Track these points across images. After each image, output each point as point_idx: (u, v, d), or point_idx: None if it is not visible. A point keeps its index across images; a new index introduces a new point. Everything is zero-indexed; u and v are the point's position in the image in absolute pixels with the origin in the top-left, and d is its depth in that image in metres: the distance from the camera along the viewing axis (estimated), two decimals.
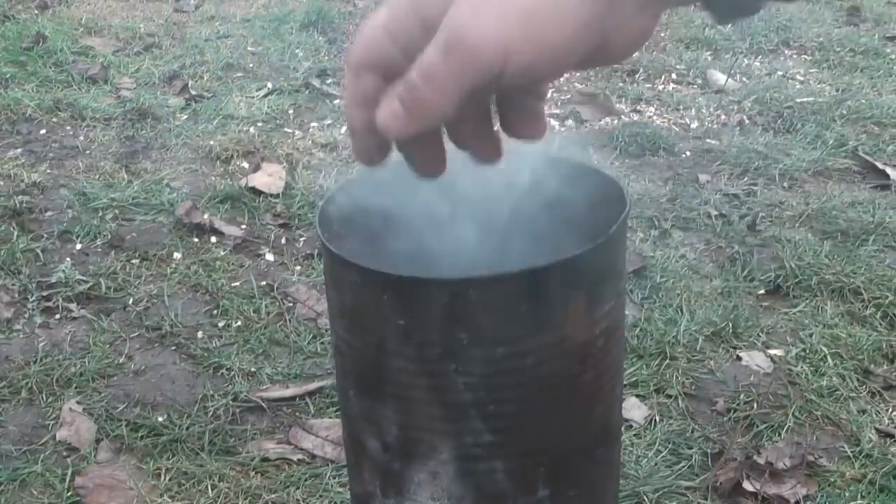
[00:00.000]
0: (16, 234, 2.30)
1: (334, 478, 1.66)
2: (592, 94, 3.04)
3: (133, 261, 2.24)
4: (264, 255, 2.28)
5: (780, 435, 1.77)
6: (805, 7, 3.87)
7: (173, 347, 1.99)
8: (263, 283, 2.18)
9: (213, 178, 2.58)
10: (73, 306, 2.08)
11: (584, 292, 0.85)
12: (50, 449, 1.73)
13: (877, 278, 2.20)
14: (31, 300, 2.09)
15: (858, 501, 1.64)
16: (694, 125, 2.95)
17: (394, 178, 0.98)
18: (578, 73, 3.29)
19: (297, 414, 1.81)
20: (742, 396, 1.86)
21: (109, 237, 2.32)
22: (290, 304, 2.10)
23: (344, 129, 2.85)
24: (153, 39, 3.38)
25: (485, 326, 0.80)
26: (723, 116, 3.00)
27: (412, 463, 0.88)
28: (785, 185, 2.63)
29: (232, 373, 1.90)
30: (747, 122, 2.97)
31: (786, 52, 3.50)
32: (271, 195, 2.50)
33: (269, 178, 2.56)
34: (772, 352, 1.99)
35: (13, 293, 2.12)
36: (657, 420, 1.80)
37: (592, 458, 0.95)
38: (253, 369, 1.91)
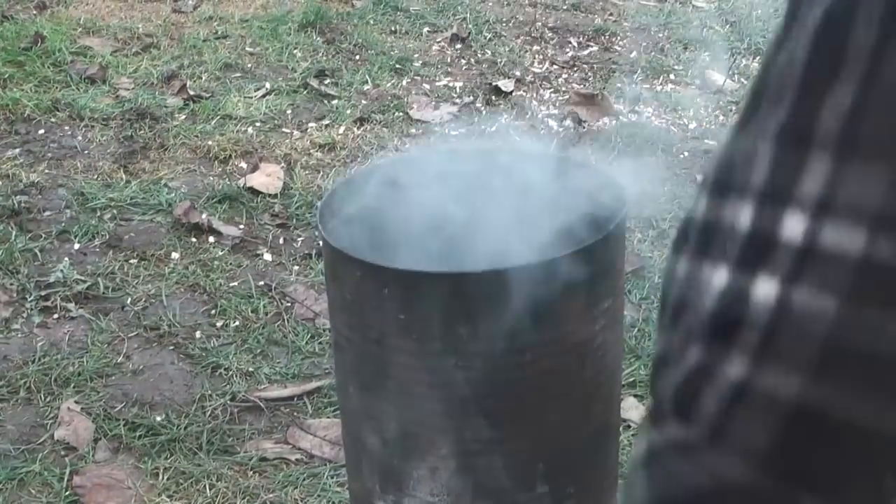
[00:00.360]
0: (14, 233, 2.29)
1: (332, 477, 1.66)
2: (591, 95, 3.04)
3: (131, 260, 2.24)
4: (262, 254, 2.28)
5: None
6: None
7: (171, 347, 1.98)
8: (261, 282, 2.17)
9: (212, 178, 2.58)
10: (71, 306, 2.08)
11: (583, 289, 0.85)
12: (48, 448, 1.72)
13: None
14: (29, 300, 2.09)
15: None
16: (692, 126, 2.95)
17: (394, 175, 0.98)
18: (577, 74, 3.29)
19: (295, 414, 1.81)
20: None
21: (108, 237, 2.32)
22: (288, 304, 2.10)
23: (342, 128, 2.85)
24: (151, 40, 3.38)
25: (485, 321, 0.80)
26: (721, 117, 3.00)
27: (412, 459, 0.88)
28: None
29: (230, 372, 1.90)
30: None
31: None
32: (269, 195, 2.50)
33: (267, 178, 2.56)
34: None
35: (11, 293, 2.11)
36: None
37: (591, 456, 0.96)
38: (251, 369, 1.91)
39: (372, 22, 3.59)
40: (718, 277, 0.46)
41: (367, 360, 0.87)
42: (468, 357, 0.81)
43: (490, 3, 3.79)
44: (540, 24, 3.62)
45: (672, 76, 3.26)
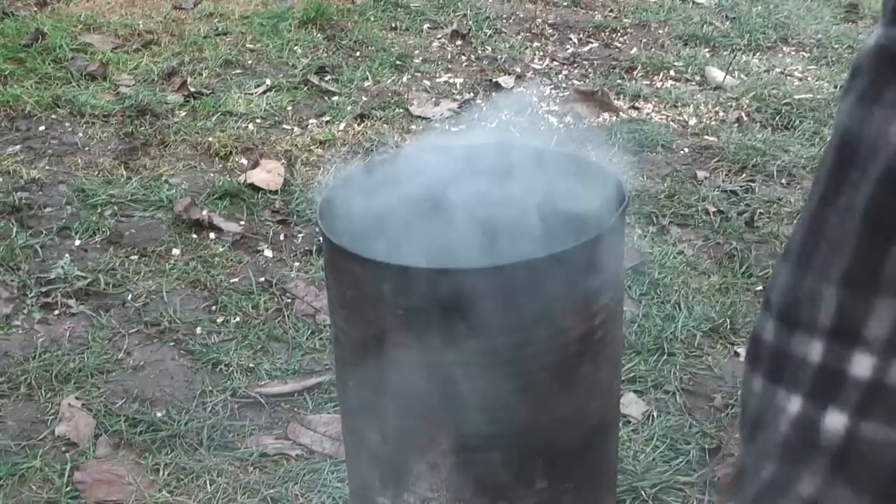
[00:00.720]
0: (15, 230, 2.30)
1: (332, 473, 1.67)
2: (591, 92, 3.04)
3: (132, 257, 2.24)
4: (263, 251, 2.28)
5: None
6: (803, 4, 3.87)
7: (172, 343, 1.99)
8: (262, 279, 2.18)
9: (212, 175, 2.58)
10: (72, 302, 2.08)
11: (583, 285, 0.85)
12: (49, 444, 1.73)
13: None
14: (30, 296, 2.09)
15: None
16: (692, 122, 2.95)
17: (394, 172, 0.98)
18: (577, 71, 3.29)
19: (296, 409, 1.81)
20: (740, 392, 1.86)
21: (108, 233, 2.32)
22: (289, 300, 2.11)
23: (342, 125, 2.85)
24: (152, 36, 3.38)
25: (484, 316, 0.80)
26: (721, 113, 3.01)
27: (411, 454, 0.88)
28: (783, 181, 2.63)
29: (230, 368, 1.91)
30: (745, 118, 2.97)
31: (784, 48, 3.50)
32: (270, 191, 2.50)
33: (267, 174, 2.56)
34: None
35: (12, 289, 2.12)
36: (655, 416, 1.80)
37: (590, 451, 0.96)
38: (251, 365, 1.92)
39: (372, 18, 3.59)
40: (793, 405, 0.51)
41: (366, 356, 0.87)
42: (467, 353, 0.82)
43: (490, 0, 3.79)
44: (540, 20, 3.62)
45: (672, 72, 3.26)
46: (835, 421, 0.49)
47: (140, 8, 3.63)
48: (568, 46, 3.44)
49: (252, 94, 3.01)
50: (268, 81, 3.09)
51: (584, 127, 2.90)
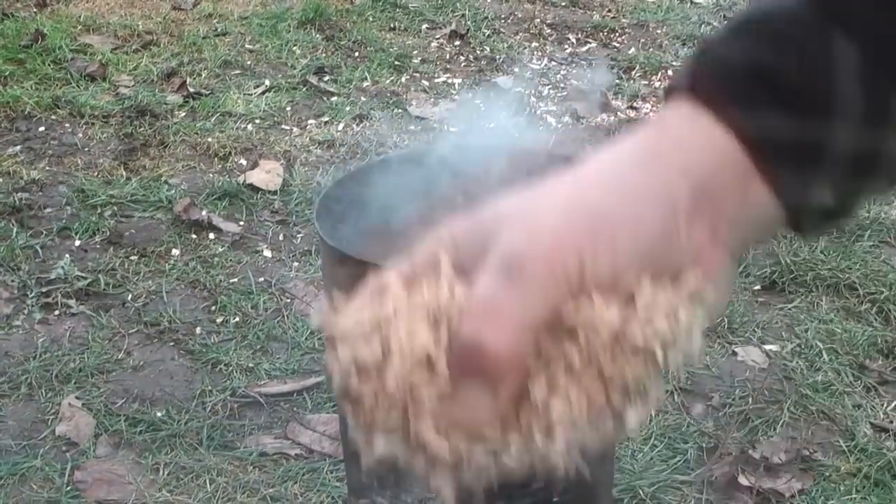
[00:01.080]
0: (15, 230, 2.30)
1: (331, 472, 1.67)
2: (589, 91, 3.05)
3: (132, 257, 2.25)
4: (262, 251, 2.29)
5: (775, 429, 1.78)
6: None
7: (172, 343, 1.99)
8: (261, 279, 2.18)
9: (211, 175, 2.59)
10: (72, 302, 2.09)
11: None
12: (49, 443, 1.74)
13: (872, 274, 2.21)
14: (30, 296, 2.10)
15: (853, 495, 1.65)
16: None
17: (391, 173, 0.99)
18: (576, 71, 3.30)
19: (295, 409, 1.82)
20: (737, 391, 1.87)
21: (108, 234, 2.33)
22: (288, 300, 2.11)
23: (341, 125, 2.86)
24: (151, 37, 3.39)
25: None
26: None
27: None
28: None
29: (230, 368, 1.91)
30: None
31: None
32: (269, 192, 2.51)
33: (266, 174, 2.57)
34: (767, 347, 2.00)
35: (13, 289, 2.12)
36: (653, 415, 1.81)
37: (587, 451, 0.96)
38: (251, 365, 1.92)
39: (371, 19, 3.59)
40: None
41: None
42: None
43: (488, 0, 3.80)
44: (538, 20, 3.62)
45: (670, 72, 3.27)
46: None
47: (139, 9, 3.63)
48: (566, 46, 3.45)
49: (251, 94, 3.01)
50: (267, 82, 3.09)
51: (583, 127, 2.91)
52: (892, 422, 1.82)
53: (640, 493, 1.64)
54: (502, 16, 3.67)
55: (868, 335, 2.02)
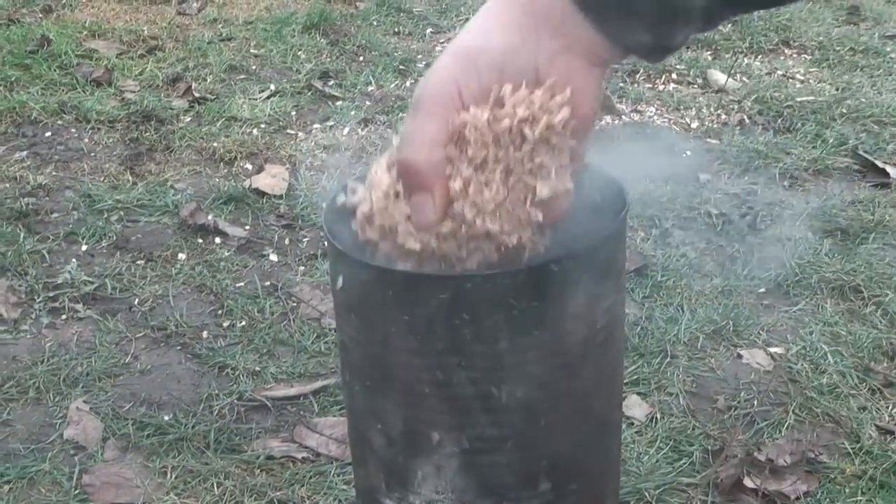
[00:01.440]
0: (22, 235, 2.31)
1: (338, 475, 1.68)
2: None
3: (138, 262, 2.26)
4: (268, 255, 2.30)
5: (780, 432, 1.79)
6: (805, 6, 3.88)
7: (179, 347, 2.00)
8: (267, 283, 2.19)
9: (217, 180, 2.60)
10: (79, 307, 2.10)
11: (585, 289, 0.86)
12: (57, 447, 1.74)
13: (877, 276, 2.21)
14: (37, 301, 2.11)
15: (858, 498, 1.66)
16: (694, 125, 2.96)
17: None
18: None
19: (302, 412, 1.83)
20: (742, 394, 1.88)
21: (115, 238, 2.34)
22: (294, 304, 2.12)
23: (346, 130, 2.87)
24: (156, 42, 3.40)
25: (487, 322, 0.82)
26: (723, 116, 3.02)
27: (416, 457, 0.90)
28: (785, 183, 2.64)
29: (237, 372, 1.92)
30: (747, 121, 2.98)
31: (786, 51, 3.51)
32: (275, 196, 2.52)
33: (272, 179, 2.58)
34: (772, 350, 2.01)
35: (20, 294, 2.13)
36: (658, 417, 1.81)
37: (593, 453, 0.97)
38: (257, 368, 1.93)
39: (375, 23, 3.60)
40: None
41: (371, 361, 0.88)
42: (471, 357, 0.83)
43: None
44: None
45: (674, 75, 3.27)
46: None
47: (144, 14, 3.65)
48: None
49: (256, 99, 3.02)
50: (272, 87, 3.10)
51: None
52: None
53: (646, 495, 1.64)
54: None
55: (873, 338, 2.02)
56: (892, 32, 3.69)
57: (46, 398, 1.85)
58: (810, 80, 3.27)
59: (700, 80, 3.24)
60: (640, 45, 0.72)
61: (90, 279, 2.17)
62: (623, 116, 2.99)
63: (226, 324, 2.06)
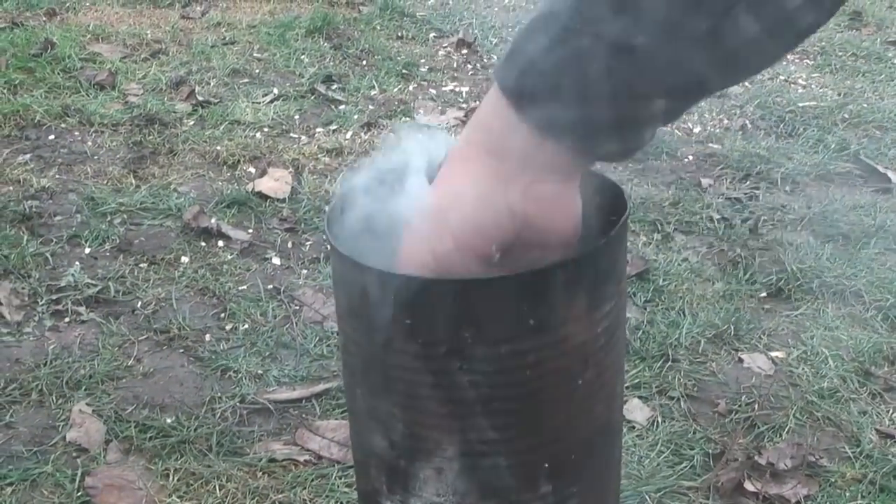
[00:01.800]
0: (26, 238, 2.32)
1: (340, 478, 1.68)
2: None
3: (141, 265, 2.27)
4: (271, 258, 2.31)
5: (781, 436, 1.79)
6: None
7: (181, 350, 2.01)
8: (270, 286, 2.20)
9: (220, 183, 2.60)
10: (82, 309, 2.11)
11: (585, 293, 0.87)
12: (60, 450, 1.75)
13: (878, 281, 2.22)
14: (40, 303, 2.12)
15: (859, 501, 1.66)
16: (696, 130, 2.97)
17: (400, 180, 1.00)
18: None
19: (304, 415, 1.83)
20: (743, 398, 1.88)
21: (118, 241, 2.34)
22: (297, 308, 2.13)
23: (349, 133, 2.88)
24: (160, 46, 3.41)
25: (488, 326, 0.82)
26: (725, 121, 3.02)
27: (418, 460, 0.90)
28: (787, 188, 2.65)
29: (239, 375, 1.93)
30: (749, 126, 2.99)
31: (788, 56, 3.52)
32: (278, 200, 2.53)
33: (275, 182, 2.59)
34: (773, 354, 2.01)
35: (23, 297, 2.14)
36: (659, 421, 1.81)
37: (594, 455, 0.97)
38: (260, 371, 1.94)
39: (378, 27, 3.61)
40: None
41: (373, 364, 0.89)
42: (472, 360, 0.83)
43: (496, 9, 3.82)
44: None
45: None
46: None
47: (148, 18, 3.66)
48: None
49: (259, 102, 3.03)
50: (275, 90, 3.11)
51: None
52: None
53: (647, 498, 1.64)
54: (509, 24, 3.69)
55: (874, 342, 2.03)
56: (894, 38, 3.69)
57: (49, 401, 1.86)
58: (812, 85, 3.28)
59: None
60: (609, 153, 0.72)
61: (93, 282, 2.18)
62: None
63: (228, 327, 2.07)
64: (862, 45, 3.56)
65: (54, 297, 2.14)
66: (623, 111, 0.69)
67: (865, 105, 3.08)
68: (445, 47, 3.50)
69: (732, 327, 2.06)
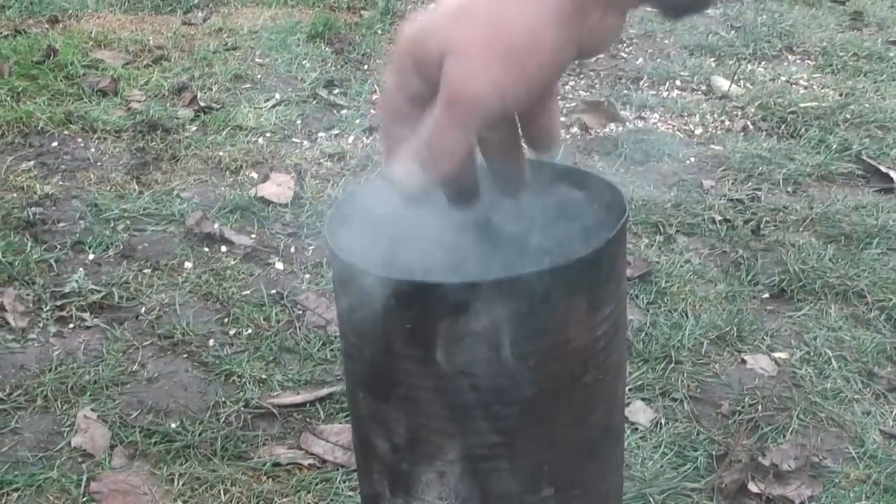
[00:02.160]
0: (30, 245, 2.33)
1: (344, 482, 1.69)
2: (597, 102, 3.07)
3: (145, 270, 2.27)
4: (274, 263, 2.31)
5: (784, 437, 1.79)
6: (808, 12, 3.89)
7: (185, 355, 2.01)
8: (273, 291, 2.20)
9: (223, 189, 2.61)
10: (86, 315, 2.11)
11: (586, 296, 0.87)
12: (65, 455, 1.75)
13: (880, 281, 2.22)
14: (45, 310, 2.12)
15: (863, 502, 1.66)
16: (698, 131, 2.97)
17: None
18: (583, 82, 3.31)
19: (308, 419, 1.84)
20: (747, 399, 1.88)
21: (121, 247, 2.35)
22: (300, 312, 2.13)
23: (351, 138, 2.88)
24: (162, 52, 3.42)
25: (489, 329, 0.82)
26: (727, 122, 3.03)
27: (420, 463, 0.90)
28: (789, 189, 2.65)
29: (243, 380, 1.93)
30: (751, 127, 2.99)
31: (789, 57, 3.52)
32: (280, 205, 2.53)
33: (277, 187, 2.59)
34: (776, 355, 2.01)
35: (28, 303, 2.15)
36: (663, 423, 1.82)
37: (595, 458, 0.98)
38: (264, 376, 1.94)
39: (380, 31, 3.62)
40: None
41: (375, 369, 0.89)
42: (473, 364, 0.84)
43: None
44: None
45: (678, 82, 3.28)
46: None
47: (150, 24, 3.66)
48: None
49: (261, 108, 3.04)
50: (277, 95, 3.12)
51: (591, 137, 2.92)
52: None
53: (651, 500, 1.65)
54: None
55: (877, 342, 2.03)
56: None
57: (54, 406, 1.86)
58: (814, 86, 3.28)
59: (704, 87, 3.25)
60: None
61: (97, 288, 2.19)
62: (627, 123, 3.00)
63: (232, 332, 2.08)
64: (863, 46, 3.57)
65: (58, 303, 2.14)
66: None
67: (867, 105, 3.08)
68: None
69: (735, 328, 2.06)
